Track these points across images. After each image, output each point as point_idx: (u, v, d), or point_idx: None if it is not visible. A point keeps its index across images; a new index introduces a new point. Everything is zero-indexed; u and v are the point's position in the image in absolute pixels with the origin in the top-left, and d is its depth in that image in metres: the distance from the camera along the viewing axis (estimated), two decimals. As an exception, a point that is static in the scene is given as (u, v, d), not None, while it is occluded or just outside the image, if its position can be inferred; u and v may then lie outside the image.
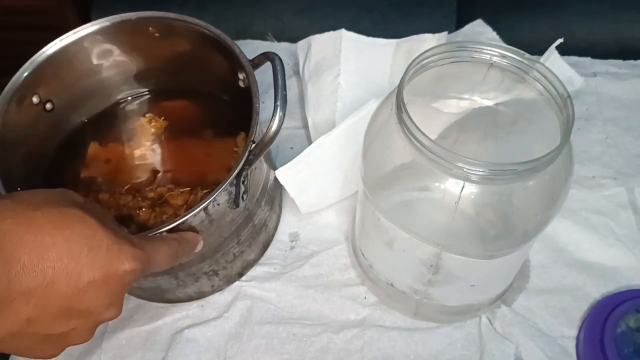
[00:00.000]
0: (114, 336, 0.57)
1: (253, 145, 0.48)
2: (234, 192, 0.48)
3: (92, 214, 0.35)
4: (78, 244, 0.34)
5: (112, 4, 1.00)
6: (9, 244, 0.32)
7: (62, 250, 0.33)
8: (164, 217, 0.54)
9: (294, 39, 0.84)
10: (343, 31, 0.76)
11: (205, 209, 0.46)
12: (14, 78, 0.53)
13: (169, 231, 0.45)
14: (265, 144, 0.47)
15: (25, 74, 0.54)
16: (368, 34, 0.95)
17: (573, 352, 0.55)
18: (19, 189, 0.48)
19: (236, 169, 0.47)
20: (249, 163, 0.48)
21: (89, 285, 0.34)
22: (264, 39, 0.85)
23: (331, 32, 0.77)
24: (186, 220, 0.45)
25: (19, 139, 0.54)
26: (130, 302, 0.60)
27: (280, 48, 0.84)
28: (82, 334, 0.38)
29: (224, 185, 0.46)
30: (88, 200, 0.39)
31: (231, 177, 0.47)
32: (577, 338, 0.56)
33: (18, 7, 1.14)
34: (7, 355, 0.56)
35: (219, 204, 0.48)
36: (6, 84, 0.53)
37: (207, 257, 0.53)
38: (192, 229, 0.47)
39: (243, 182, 0.49)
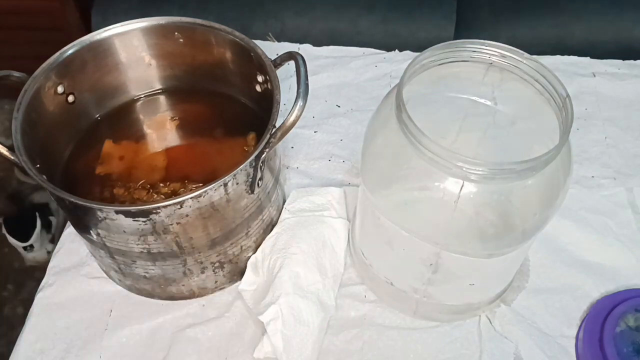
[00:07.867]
0: (115, 334, 0.57)
1: (274, 129, 0.50)
2: (251, 174, 0.51)
3: None
4: None
5: (112, 5, 1.00)
6: None
7: None
8: None
9: (294, 39, 0.84)
10: None
11: (225, 184, 0.49)
12: (45, 64, 0.55)
13: (192, 199, 0.47)
14: (286, 128, 0.49)
15: (56, 62, 0.56)
16: (368, 34, 0.95)
17: (572, 351, 0.56)
18: (38, 165, 0.50)
19: (257, 149, 0.50)
20: (269, 146, 0.50)
21: None
22: (264, 39, 0.85)
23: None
24: (207, 191, 0.48)
25: (42, 122, 0.55)
26: (131, 299, 0.60)
27: (281, 48, 0.84)
28: None
29: (245, 164, 0.49)
30: None
31: (252, 157, 0.50)
32: (577, 337, 0.56)
33: (19, 7, 1.14)
34: (7, 355, 0.57)
35: (237, 183, 0.50)
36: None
37: (217, 244, 0.54)
38: (212, 206, 0.49)
39: (260, 167, 0.51)
